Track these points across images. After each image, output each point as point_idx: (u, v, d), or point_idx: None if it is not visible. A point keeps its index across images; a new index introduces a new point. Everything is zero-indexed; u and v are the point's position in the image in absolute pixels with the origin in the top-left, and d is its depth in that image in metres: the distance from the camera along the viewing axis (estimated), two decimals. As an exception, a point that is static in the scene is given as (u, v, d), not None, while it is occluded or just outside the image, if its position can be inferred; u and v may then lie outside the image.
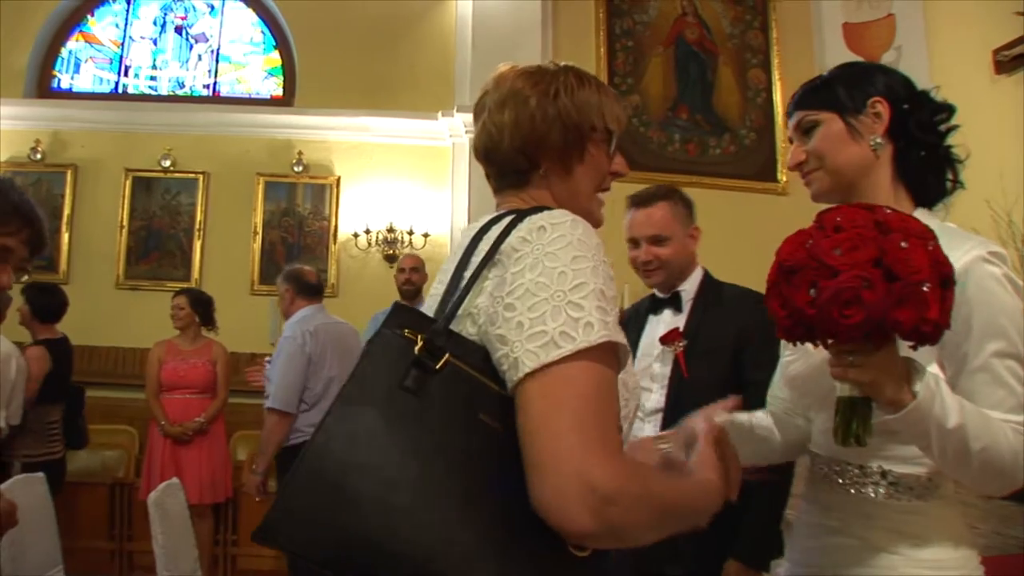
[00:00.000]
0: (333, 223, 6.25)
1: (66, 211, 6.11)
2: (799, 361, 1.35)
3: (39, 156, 6.14)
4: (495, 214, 1.10)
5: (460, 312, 0.98)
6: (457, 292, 0.99)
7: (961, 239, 1.17)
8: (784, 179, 7.01)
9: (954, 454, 1.05)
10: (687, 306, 2.19)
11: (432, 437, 0.87)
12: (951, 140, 1.31)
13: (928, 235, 0.99)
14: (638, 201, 2.23)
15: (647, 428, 2.07)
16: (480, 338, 0.96)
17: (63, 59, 6.70)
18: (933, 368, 1.11)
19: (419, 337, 0.91)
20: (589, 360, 0.88)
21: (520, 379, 0.88)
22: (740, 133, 7.11)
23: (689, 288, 2.22)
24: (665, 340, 2.12)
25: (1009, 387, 1.10)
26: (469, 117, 6.87)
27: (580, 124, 1.12)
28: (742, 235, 6.50)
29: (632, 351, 2.14)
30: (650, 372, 2.13)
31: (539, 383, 0.87)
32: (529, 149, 1.12)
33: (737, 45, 7.25)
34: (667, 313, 2.21)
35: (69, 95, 6.59)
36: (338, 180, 6.27)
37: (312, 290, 3.87)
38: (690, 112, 7.04)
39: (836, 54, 7.16)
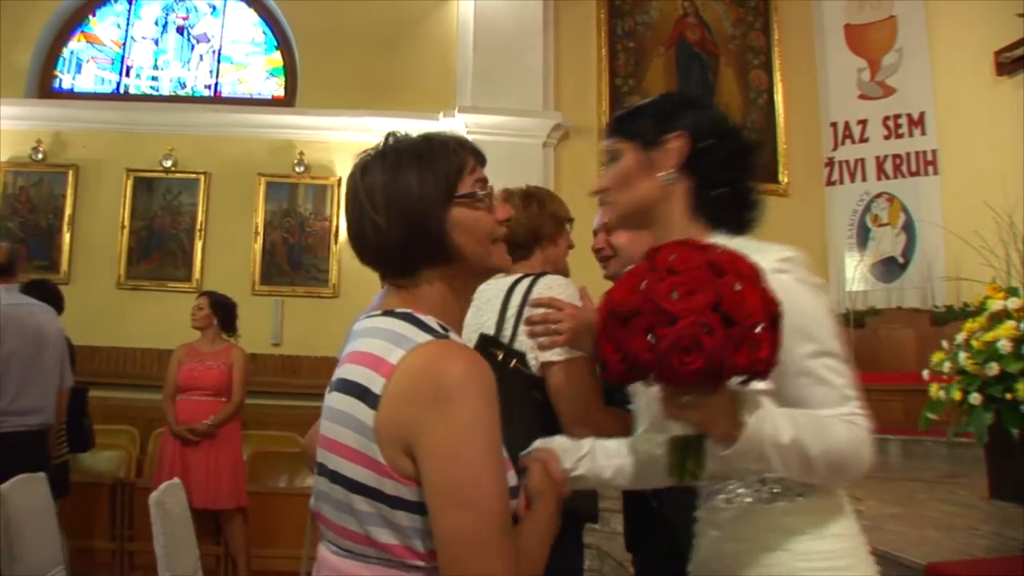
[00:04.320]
0: (334, 223, 6.26)
1: (67, 211, 6.12)
2: (641, 394, 1.38)
3: (40, 156, 6.14)
4: (516, 276, 1.84)
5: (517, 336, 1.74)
6: (510, 325, 1.76)
7: (752, 254, 1.19)
8: (786, 180, 7.00)
9: (798, 464, 1.09)
10: None
11: (511, 401, 1.40)
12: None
13: (756, 274, 1.01)
14: None
15: None
16: (522, 348, 1.73)
17: (65, 59, 6.71)
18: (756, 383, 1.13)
19: (500, 353, 1.72)
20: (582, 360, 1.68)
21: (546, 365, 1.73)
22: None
23: None
24: None
25: (829, 383, 1.15)
26: (471, 117, 6.90)
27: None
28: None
29: None
30: None
31: (557, 368, 1.71)
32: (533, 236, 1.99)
33: (739, 46, 7.25)
34: None
35: (71, 95, 6.60)
36: (339, 180, 6.27)
37: (3, 270, 3.62)
38: (691, 113, 7.03)
39: (837, 55, 7.17)
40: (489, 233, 1.15)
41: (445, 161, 1.14)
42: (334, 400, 1.08)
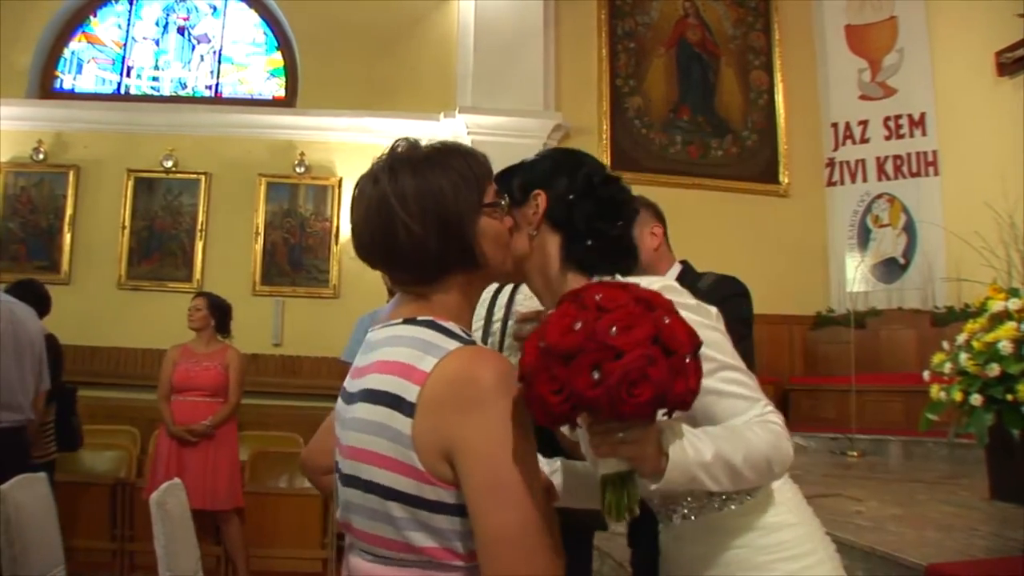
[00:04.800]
0: (335, 224, 6.26)
1: (68, 211, 6.11)
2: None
3: (41, 156, 6.14)
4: (495, 285, 1.74)
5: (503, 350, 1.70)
6: (496, 340, 1.71)
7: None
8: (786, 181, 7.01)
9: (726, 476, 1.13)
10: None
11: None
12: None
13: (674, 307, 1.03)
14: None
15: None
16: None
17: (66, 60, 6.71)
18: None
19: None
20: None
21: None
22: (742, 135, 7.11)
23: None
24: None
25: (733, 394, 1.22)
26: (471, 118, 6.90)
27: None
28: (744, 236, 6.50)
29: None
30: None
31: None
32: None
33: (739, 47, 7.25)
34: None
35: (71, 96, 6.61)
36: (340, 181, 6.28)
37: None
38: (692, 113, 7.04)
39: (838, 56, 7.17)
40: (507, 240, 1.21)
41: (472, 169, 1.15)
42: (361, 411, 1.08)
